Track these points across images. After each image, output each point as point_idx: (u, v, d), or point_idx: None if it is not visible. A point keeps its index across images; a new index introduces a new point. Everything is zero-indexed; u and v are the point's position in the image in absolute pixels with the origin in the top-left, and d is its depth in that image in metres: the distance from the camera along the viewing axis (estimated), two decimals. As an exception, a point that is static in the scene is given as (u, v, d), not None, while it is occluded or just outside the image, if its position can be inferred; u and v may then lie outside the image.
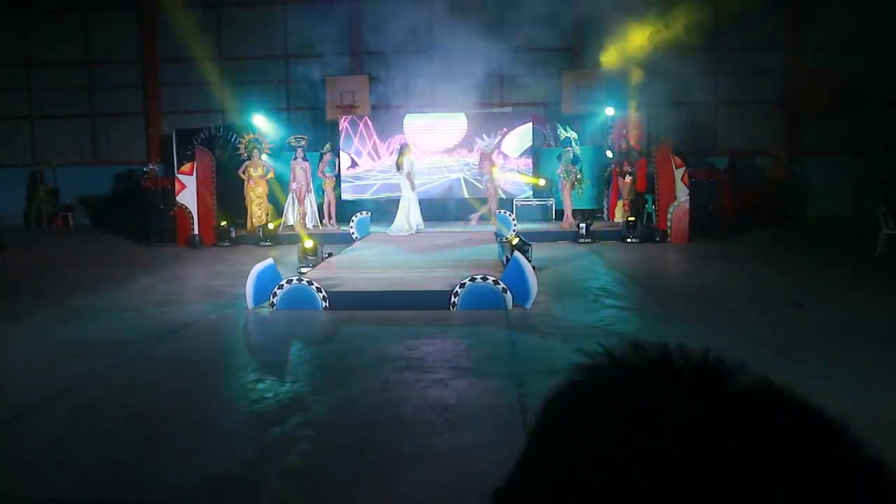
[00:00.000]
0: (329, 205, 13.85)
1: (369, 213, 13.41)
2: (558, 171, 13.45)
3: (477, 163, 14.17)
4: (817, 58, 15.84)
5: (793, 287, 7.97)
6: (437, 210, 14.72)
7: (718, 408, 0.40)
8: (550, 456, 0.42)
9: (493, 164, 13.59)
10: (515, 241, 9.40)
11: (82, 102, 17.59)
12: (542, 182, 14.54)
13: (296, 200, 13.60)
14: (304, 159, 13.56)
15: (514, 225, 12.40)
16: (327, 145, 14.39)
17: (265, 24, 16.77)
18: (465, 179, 14.94)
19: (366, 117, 15.26)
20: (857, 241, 11.52)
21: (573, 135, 14.41)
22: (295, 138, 13.83)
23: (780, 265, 9.78)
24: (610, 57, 14.58)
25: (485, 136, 14.81)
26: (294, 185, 13.53)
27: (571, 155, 13.36)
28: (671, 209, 12.26)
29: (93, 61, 17.44)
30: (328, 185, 13.81)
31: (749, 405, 0.41)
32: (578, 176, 13.43)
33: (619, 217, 13.69)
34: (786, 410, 0.41)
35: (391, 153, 14.64)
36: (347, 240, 12.05)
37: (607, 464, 0.38)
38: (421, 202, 13.52)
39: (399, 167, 12.62)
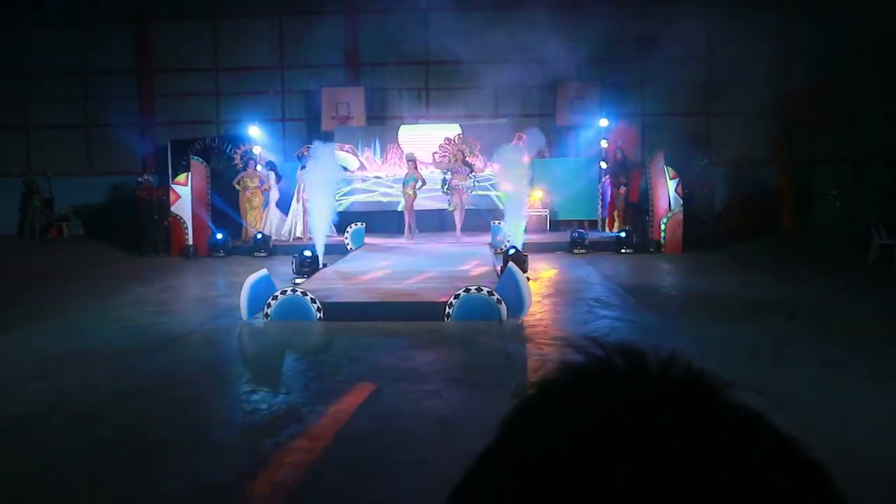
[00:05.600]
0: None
1: (364, 224, 13.39)
2: (444, 189, 13.51)
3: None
4: (808, 68, 15.95)
5: (786, 296, 8.00)
6: (433, 221, 14.75)
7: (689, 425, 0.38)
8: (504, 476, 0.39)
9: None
10: (511, 251, 9.43)
11: (78, 112, 17.57)
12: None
13: (301, 211, 13.51)
14: None
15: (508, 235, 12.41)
16: None
17: (261, 36, 16.81)
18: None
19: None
20: (849, 251, 11.58)
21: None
22: (307, 149, 13.80)
23: (774, 275, 9.82)
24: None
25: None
26: (304, 196, 13.45)
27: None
28: (665, 220, 12.31)
29: (88, 71, 17.45)
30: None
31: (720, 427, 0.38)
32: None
33: (614, 227, 13.75)
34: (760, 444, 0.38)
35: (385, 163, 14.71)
36: (342, 251, 12.03)
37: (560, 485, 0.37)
38: (417, 213, 13.52)
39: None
